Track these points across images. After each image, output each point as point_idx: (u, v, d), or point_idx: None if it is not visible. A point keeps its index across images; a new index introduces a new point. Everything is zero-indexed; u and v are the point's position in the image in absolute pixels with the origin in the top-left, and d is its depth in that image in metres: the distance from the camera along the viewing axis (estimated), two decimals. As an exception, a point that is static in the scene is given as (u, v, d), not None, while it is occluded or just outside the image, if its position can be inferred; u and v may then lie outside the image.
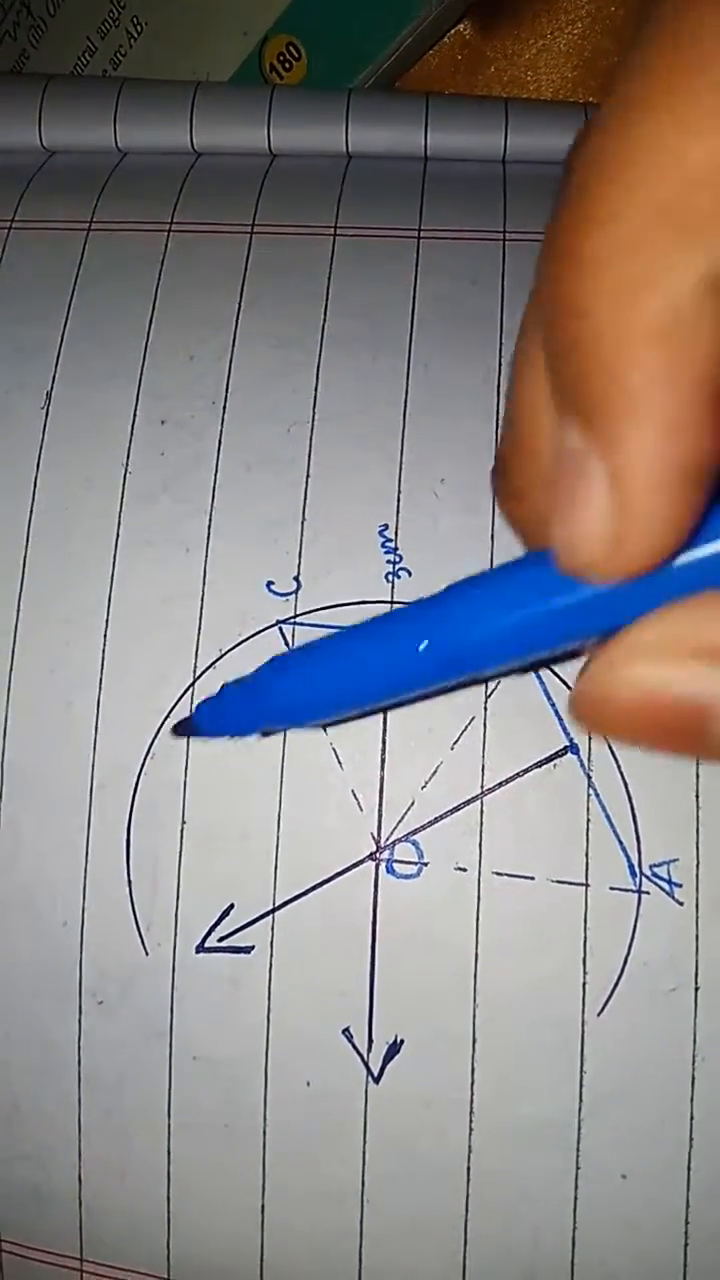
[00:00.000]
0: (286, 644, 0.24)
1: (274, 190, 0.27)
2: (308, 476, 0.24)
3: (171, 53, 0.32)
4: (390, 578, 0.24)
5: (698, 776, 0.22)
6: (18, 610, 0.25)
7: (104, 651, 0.24)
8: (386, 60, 0.30)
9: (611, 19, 0.32)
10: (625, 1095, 0.22)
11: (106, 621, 0.24)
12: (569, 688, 0.23)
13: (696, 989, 0.22)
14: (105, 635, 0.24)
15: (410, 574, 0.23)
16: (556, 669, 0.23)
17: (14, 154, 0.29)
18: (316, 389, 0.25)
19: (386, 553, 0.24)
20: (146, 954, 0.24)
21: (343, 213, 0.26)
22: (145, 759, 0.24)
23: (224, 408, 0.25)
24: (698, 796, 0.22)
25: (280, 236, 0.26)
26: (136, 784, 0.24)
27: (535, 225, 0.26)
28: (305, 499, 0.24)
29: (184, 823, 0.24)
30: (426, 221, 0.26)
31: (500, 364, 0.24)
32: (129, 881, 0.24)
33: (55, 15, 0.33)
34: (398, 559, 0.24)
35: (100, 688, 0.24)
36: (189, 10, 0.31)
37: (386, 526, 0.24)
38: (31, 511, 0.25)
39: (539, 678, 0.23)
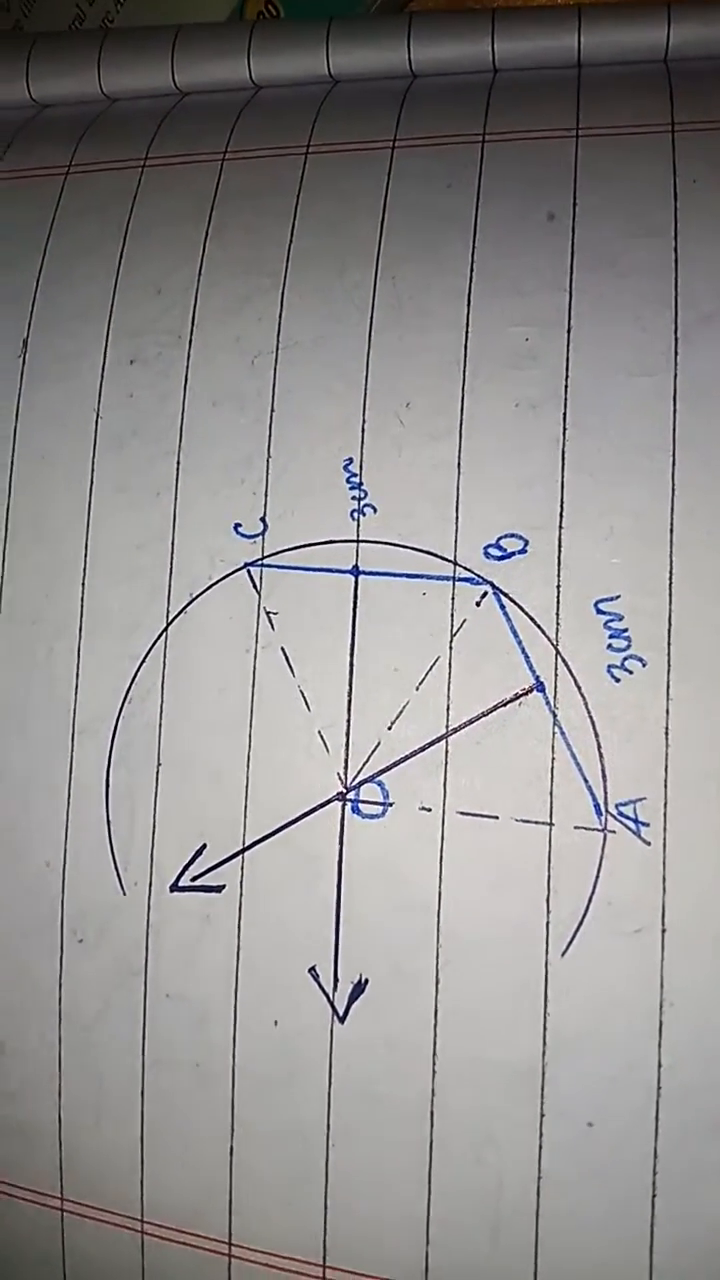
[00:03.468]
0: (255, 587, 0.24)
1: (250, 118, 0.28)
2: (272, 411, 0.25)
3: (156, 15, 0.33)
4: (355, 515, 0.24)
5: (667, 713, 0.22)
6: (3, 560, 0.26)
7: (82, 599, 0.25)
8: (366, 12, 0.30)
9: None
10: (591, 1040, 0.22)
11: (84, 569, 0.26)
12: (537, 625, 0.23)
13: (663, 931, 0.22)
14: (83, 583, 0.26)
15: (375, 510, 0.24)
16: (523, 604, 0.23)
17: (7, 109, 0.30)
18: (281, 315, 0.25)
19: (352, 488, 0.24)
20: (124, 893, 0.25)
21: (317, 132, 0.27)
22: (123, 703, 0.25)
23: (190, 342, 0.25)
24: (666, 733, 0.22)
25: (252, 160, 0.27)
26: (115, 728, 0.25)
27: (516, 125, 0.26)
28: (270, 435, 0.25)
29: (159, 765, 0.25)
30: (403, 131, 0.26)
31: (472, 269, 0.24)
32: (108, 822, 0.25)
33: None
34: (363, 494, 0.24)
35: (80, 635, 0.25)
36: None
37: (351, 461, 0.24)
38: (12, 462, 0.26)
39: (506, 615, 0.23)
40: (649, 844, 0.22)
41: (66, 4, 0.34)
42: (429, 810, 0.23)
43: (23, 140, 0.29)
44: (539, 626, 0.23)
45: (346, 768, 0.23)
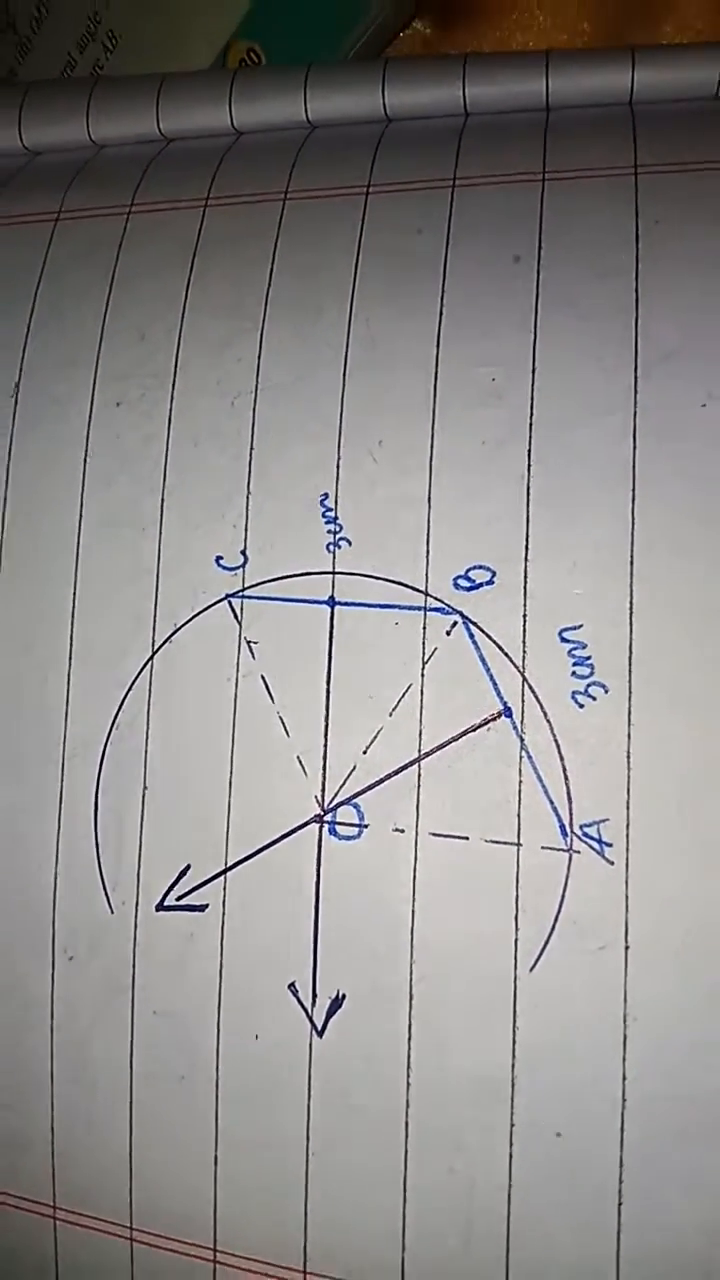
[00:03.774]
0: (236, 617, 0.25)
1: (232, 164, 0.29)
2: (251, 450, 0.26)
3: (144, 63, 0.34)
4: (331, 548, 0.25)
5: (629, 738, 0.23)
6: (-3, 593, 0.27)
7: (72, 630, 0.27)
8: (344, 59, 0.31)
9: (567, 14, 0.33)
10: (558, 1052, 0.23)
11: (74, 601, 0.27)
12: (505, 653, 0.24)
13: (626, 948, 0.23)
14: (73, 615, 0.27)
15: (350, 543, 0.25)
16: (491, 633, 0.24)
17: (1, 157, 0.31)
18: (260, 357, 0.26)
19: (328, 522, 0.25)
20: (112, 912, 0.26)
21: (295, 177, 0.28)
22: (110, 730, 0.26)
23: (172, 384, 0.26)
24: (628, 757, 0.23)
25: (233, 207, 0.28)
26: (103, 754, 0.26)
27: (486, 169, 0.27)
28: (250, 473, 0.26)
29: (145, 789, 0.26)
30: (377, 176, 0.27)
31: (441, 311, 0.25)
32: (96, 844, 0.26)
33: (38, 33, 0.35)
34: (338, 528, 0.25)
35: (70, 664, 0.27)
36: (159, 23, 0.33)
37: (327, 496, 0.25)
38: (6, 501, 0.27)
39: (475, 643, 0.24)
40: (612, 863, 0.23)
41: (58, 51, 0.36)
42: (402, 831, 0.24)
43: (15, 187, 0.30)
44: (506, 654, 0.24)
45: (324, 791, 0.24)
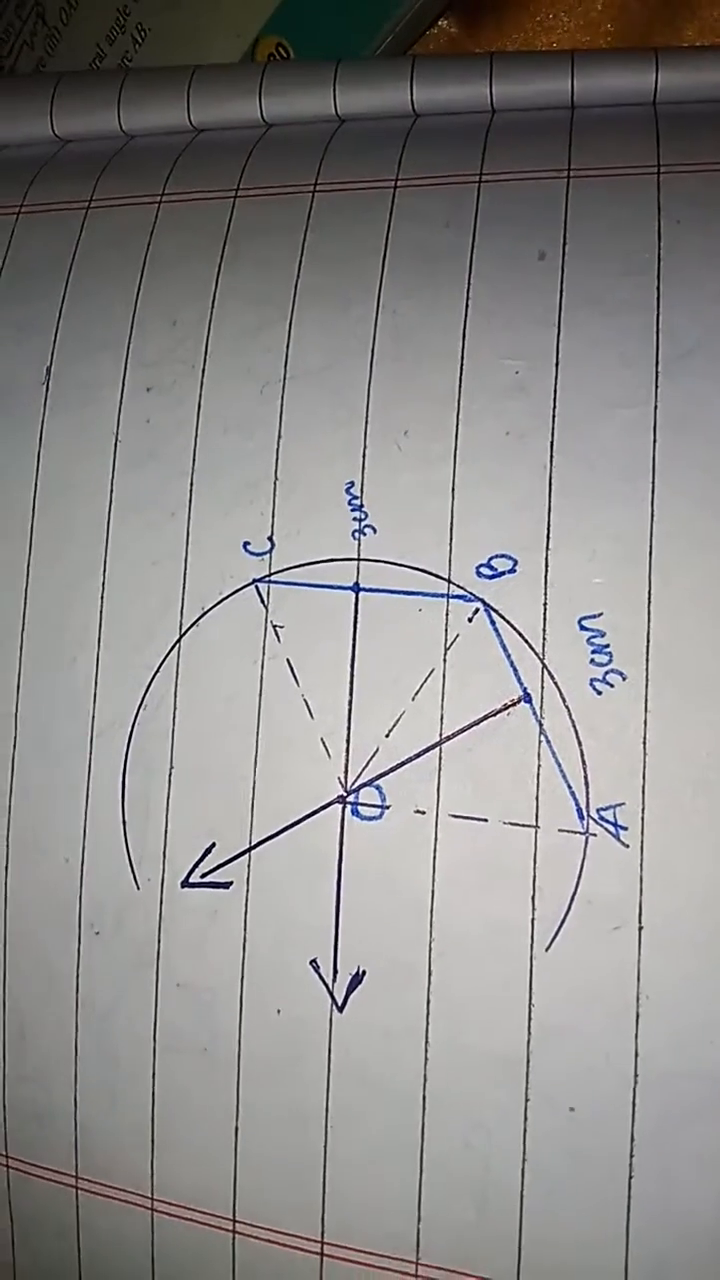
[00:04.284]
0: (263, 602, 0.26)
1: (261, 156, 0.29)
2: (279, 437, 0.26)
3: (172, 56, 0.35)
4: (356, 535, 0.25)
5: (645, 724, 0.24)
6: (27, 575, 0.28)
7: (101, 612, 0.27)
8: (372, 55, 0.32)
9: (591, 16, 0.33)
10: (572, 1030, 0.23)
11: (103, 584, 0.27)
12: (525, 640, 0.24)
13: (640, 929, 0.23)
14: (102, 597, 0.27)
15: (375, 530, 0.25)
16: (512, 620, 0.24)
17: (31, 146, 0.32)
18: (289, 346, 0.27)
19: (353, 510, 0.26)
20: (138, 888, 0.26)
21: (324, 170, 0.28)
22: (138, 710, 0.27)
23: (203, 371, 0.27)
24: (645, 743, 0.23)
25: (263, 198, 0.28)
26: (130, 733, 0.27)
27: (514, 166, 0.27)
28: (278, 459, 0.26)
29: (172, 768, 0.26)
30: (405, 171, 0.28)
31: (467, 304, 0.26)
32: (123, 822, 0.27)
33: (68, 25, 0.36)
34: (364, 516, 0.26)
35: (99, 646, 0.27)
36: (188, 16, 0.34)
37: (353, 484, 0.26)
38: (36, 483, 0.28)
39: (496, 630, 0.24)
40: (627, 846, 0.23)
41: (88, 44, 0.36)
42: (423, 813, 0.24)
43: (46, 176, 0.31)
44: (527, 641, 0.24)
45: (347, 772, 0.25)
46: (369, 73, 0.30)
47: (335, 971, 0.25)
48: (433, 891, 0.24)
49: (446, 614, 0.25)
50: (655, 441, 0.24)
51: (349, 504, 0.26)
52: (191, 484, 0.27)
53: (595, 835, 0.24)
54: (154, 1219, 0.26)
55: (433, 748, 0.25)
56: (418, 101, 0.30)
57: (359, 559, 0.26)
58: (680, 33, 0.35)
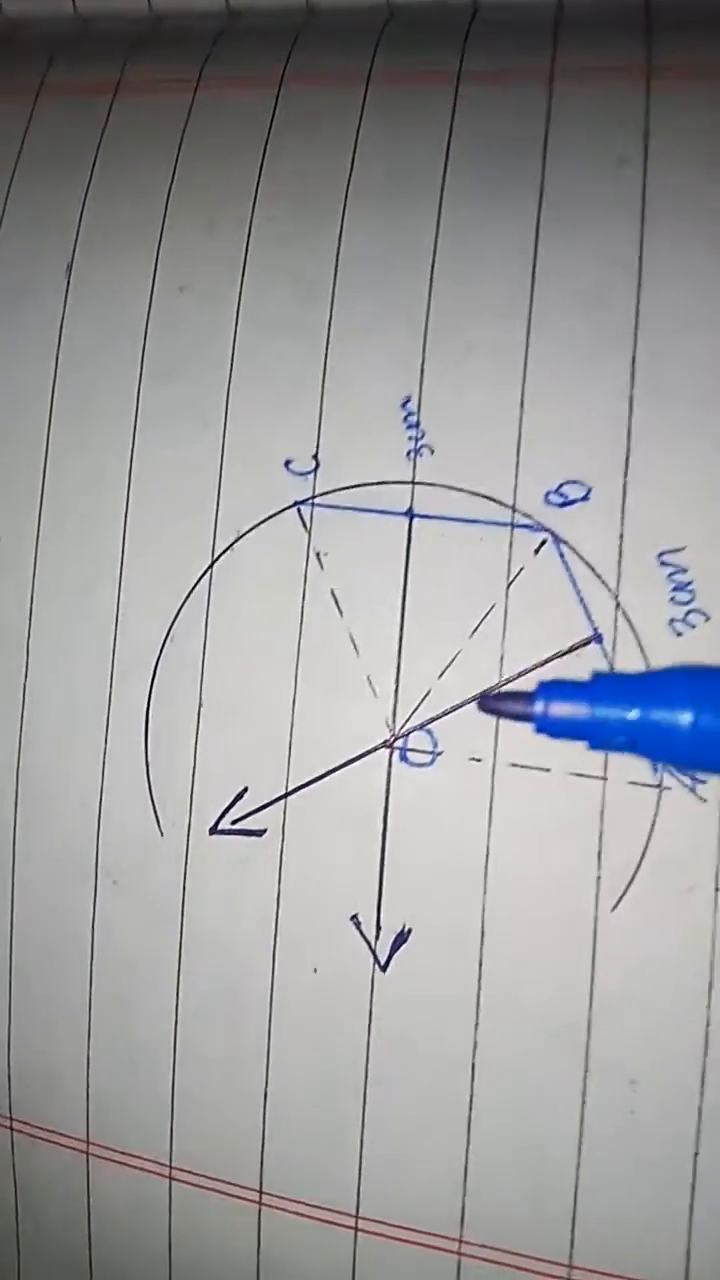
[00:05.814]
0: (305, 526, 0.24)
1: (307, 42, 0.27)
2: (327, 344, 0.24)
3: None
4: (411, 455, 0.23)
5: (729, 668, 0.22)
6: (41, 492, 0.26)
7: (124, 534, 0.25)
8: None
9: None
10: (638, 996, 0.22)
11: (126, 503, 0.25)
12: (597, 575, 0.22)
13: (717, 890, 0.21)
14: (125, 518, 0.25)
15: (432, 451, 0.23)
16: (582, 552, 0.22)
17: (51, 23, 0.29)
18: (339, 248, 0.24)
19: (409, 428, 0.24)
20: (162, 834, 0.24)
21: (379, 59, 0.26)
22: (165, 641, 0.25)
23: (243, 270, 0.25)
24: (728, 689, 0.22)
25: (310, 89, 0.26)
26: (156, 665, 0.25)
27: (587, 61, 0.25)
28: (325, 368, 0.24)
29: (201, 705, 0.24)
30: (467, 64, 0.25)
31: (540, 208, 0.24)
32: (146, 763, 0.25)
33: None
34: (420, 434, 0.23)
35: (121, 570, 0.25)
36: None
37: (409, 399, 0.24)
38: (54, 391, 0.26)
39: (565, 563, 0.22)
40: (704, 801, 0.22)
41: None
42: (479, 761, 0.23)
43: (66, 55, 0.28)
44: (599, 576, 0.22)
45: (395, 714, 0.23)
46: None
47: (378, 929, 0.23)
48: (488, 845, 0.23)
49: (510, 544, 0.23)
50: (749, 361, 0.22)
51: (404, 421, 0.24)
52: (228, 394, 0.25)
53: (669, 789, 0.22)
54: (172, 1188, 0.25)
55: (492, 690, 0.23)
56: (478, -13, 0.27)
57: (414, 482, 0.23)
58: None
